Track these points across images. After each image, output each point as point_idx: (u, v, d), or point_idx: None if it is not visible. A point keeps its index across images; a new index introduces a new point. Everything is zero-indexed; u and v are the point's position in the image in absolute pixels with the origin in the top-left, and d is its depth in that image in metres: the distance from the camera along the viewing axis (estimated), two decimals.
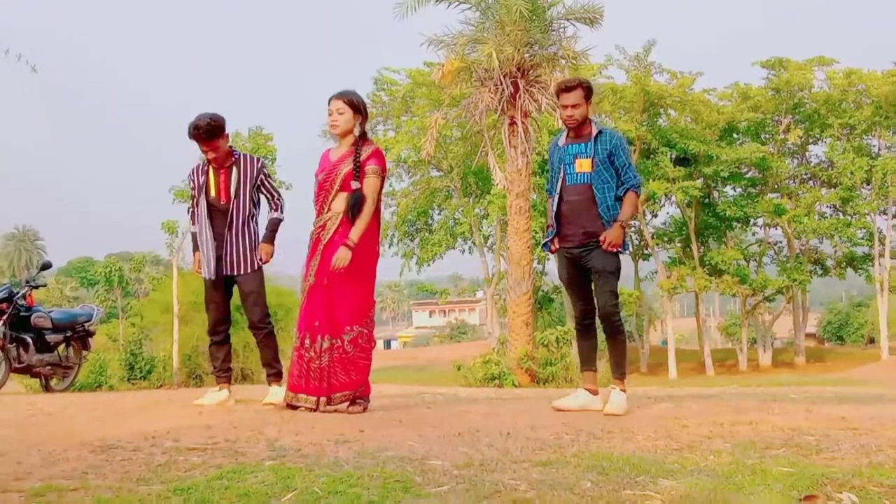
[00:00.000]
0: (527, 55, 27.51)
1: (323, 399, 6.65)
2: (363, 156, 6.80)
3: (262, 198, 7.56)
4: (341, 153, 6.88)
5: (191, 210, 7.63)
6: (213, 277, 7.45)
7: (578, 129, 6.96)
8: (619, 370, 6.92)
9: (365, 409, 6.74)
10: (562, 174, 6.97)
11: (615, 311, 6.82)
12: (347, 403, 6.70)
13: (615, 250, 6.77)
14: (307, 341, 6.71)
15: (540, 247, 7.57)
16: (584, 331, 7.18)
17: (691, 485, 3.74)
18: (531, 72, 27.44)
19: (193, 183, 7.52)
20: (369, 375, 6.90)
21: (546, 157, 7.95)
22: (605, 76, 46.63)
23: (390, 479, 3.89)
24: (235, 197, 7.35)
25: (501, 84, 26.88)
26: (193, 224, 7.59)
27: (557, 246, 7.08)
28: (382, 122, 46.65)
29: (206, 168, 7.48)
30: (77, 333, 12.90)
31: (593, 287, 6.98)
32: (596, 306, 6.97)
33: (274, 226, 7.54)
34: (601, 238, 6.69)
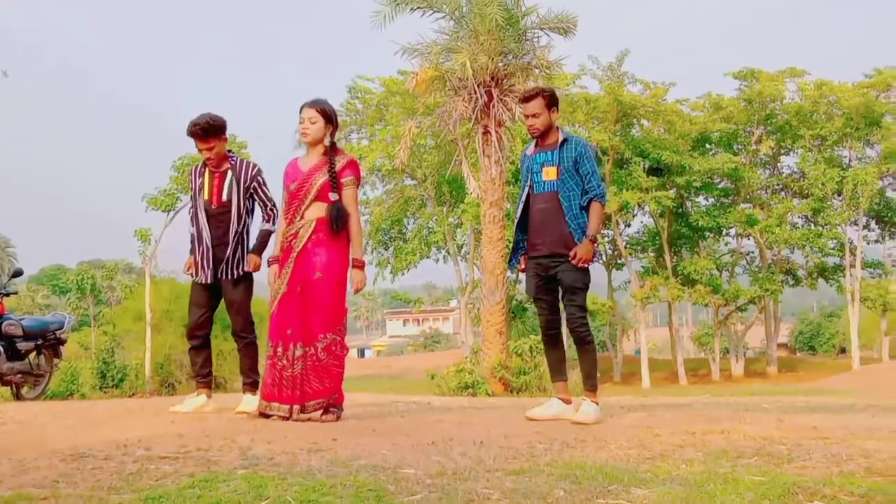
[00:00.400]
0: (501, 64, 27.57)
1: (296, 407, 6.64)
2: (338, 166, 6.82)
3: (257, 206, 7.53)
4: (313, 163, 6.86)
5: (190, 211, 7.60)
6: (201, 281, 7.43)
7: (544, 138, 6.98)
8: (590, 382, 6.90)
9: (338, 418, 6.73)
10: (529, 183, 6.99)
11: (583, 323, 6.81)
12: (321, 412, 6.69)
13: (585, 266, 6.79)
14: (279, 349, 6.69)
15: (507, 263, 7.58)
16: (551, 341, 7.18)
17: (664, 493, 3.75)
18: (505, 81, 27.50)
19: (192, 184, 7.51)
20: (342, 383, 6.89)
21: (519, 166, 8.02)
22: (579, 86, 46.80)
23: (363, 487, 3.89)
24: (227, 201, 7.32)
25: (475, 93, 26.92)
26: (192, 225, 7.54)
27: (523, 266, 7.10)
28: (356, 131, 46.60)
29: (202, 170, 7.46)
30: (48, 341, 12.82)
31: (561, 300, 6.99)
32: (563, 318, 7.00)
33: (264, 237, 7.45)
34: (571, 254, 6.70)
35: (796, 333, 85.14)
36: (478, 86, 26.94)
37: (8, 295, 12.66)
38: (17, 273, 13.59)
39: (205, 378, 7.67)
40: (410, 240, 48.02)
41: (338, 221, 6.72)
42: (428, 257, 48.65)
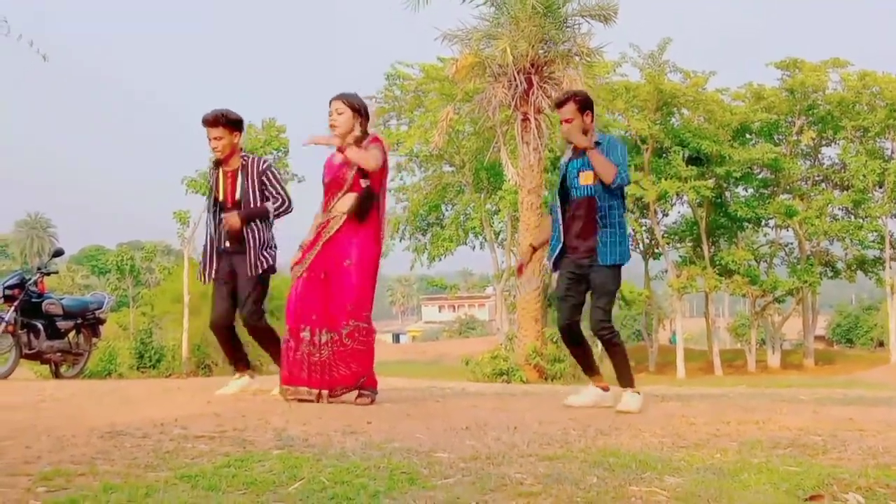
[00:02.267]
0: (541, 51, 27.50)
1: (325, 392, 6.68)
2: (364, 143, 6.86)
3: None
4: (344, 158, 6.89)
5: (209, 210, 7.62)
6: (204, 282, 7.49)
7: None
8: (625, 380, 6.89)
9: (373, 401, 6.76)
10: (565, 188, 6.98)
11: (606, 327, 6.77)
12: (356, 394, 6.73)
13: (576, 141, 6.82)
14: (305, 334, 6.71)
15: (548, 263, 7.57)
16: (571, 342, 7.15)
17: (697, 482, 3.74)
18: (545, 68, 27.42)
19: (209, 184, 7.57)
20: (373, 365, 6.91)
21: (558, 153, 8.01)
22: (619, 74, 46.55)
23: (396, 470, 3.90)
24: (242, 200, 7.33)
25: (515, 80, 26.87)
26: (207, 224, 7.57)
27: (522, 271, 7.16)
28: (395, 117, 46.57)
29: (215, 169, 7.48)
30: (87, 321, 12.95)
31: (590, 300, 6.98)
32: (587, 322, 6.99)
33: (261, 209, 7.40)
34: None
35: (834, 326, 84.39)
36: (517, 72, 26.88)
37: (49, 274, 12.80)
38: (58, 253, 13.72)
39: (241, 361, 7.70)
40: (447, 226, 47.98)
41: (365, 201, 6.79)
42: (465, 244, 48.63)
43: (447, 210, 49.34)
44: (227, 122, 7.32)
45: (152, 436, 4.75)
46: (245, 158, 7.44)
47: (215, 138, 7.31)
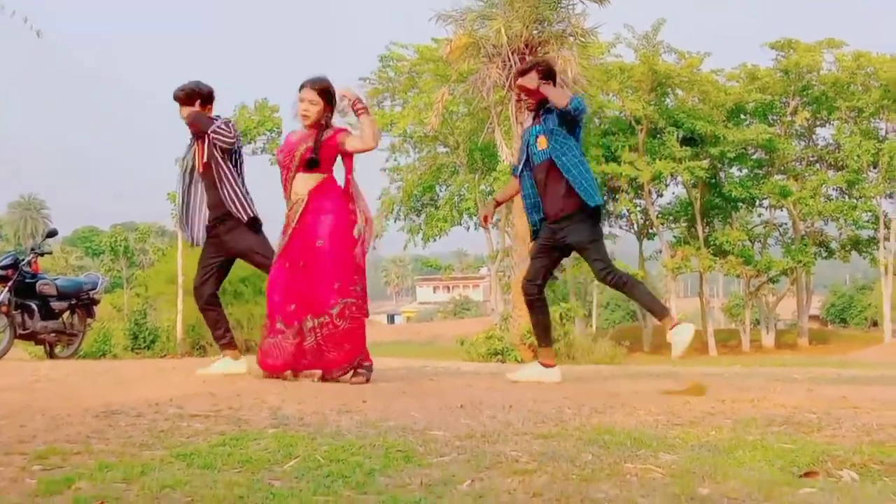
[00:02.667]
0: (535, 32, 27.49)
1: (318, 372, 6.71)
2: (324, 136, 6.78)
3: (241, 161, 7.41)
4: (302, 134, 6.85)
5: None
6: (188, 240, 7.47)
7: (538, 112, 6.97)
8: (659, 311, 6.96)
9: (368, 380, 6.75)
10: (528, 153, 7.00)
11: (610, 272, 6.81)
12: (351, 374, 6.73)
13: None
14: (293, 324, 6.70)
15: (531, 235, 7.56)
16: (531, 305, 7.17)
17: (692, 459, 3.75)
18: (539, 48, 27.41)
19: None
20: (365, 343, 6.90)
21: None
22: (614, 54, 46.50)
23: (392, 448, 3.90)
24: (207, 163, 7.26)
25: (509, 60, 26.85)
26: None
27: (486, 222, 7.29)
28: (389, 98, 46.53)
29: (192, 140, 7.42)
30: (82, 301, 12.93)
31: (586, 260, 7.00)
32: (595, 275, 7.03)
33: (201, 115, 7.28)
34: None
35: (828, 306, 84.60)
36: (512, 53, 26.87)
37: (42, 255, 12.77)
38: (52, 233, 13.71)
39: (224, 336, 7.53)
40: (442, 207, 47.95)
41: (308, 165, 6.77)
42: (459, 224, 48.64)
43: (441, 191, 49.31)
44: (191, 96, 7.27)
45: (147, 415, 4.75)
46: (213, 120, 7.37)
47: (182, 114, 7.28)
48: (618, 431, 4.44)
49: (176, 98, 7.31)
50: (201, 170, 7.27)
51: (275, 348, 6.74)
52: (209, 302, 7.48)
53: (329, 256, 6.68)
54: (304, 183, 6.78)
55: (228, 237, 7.28)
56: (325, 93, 6.78)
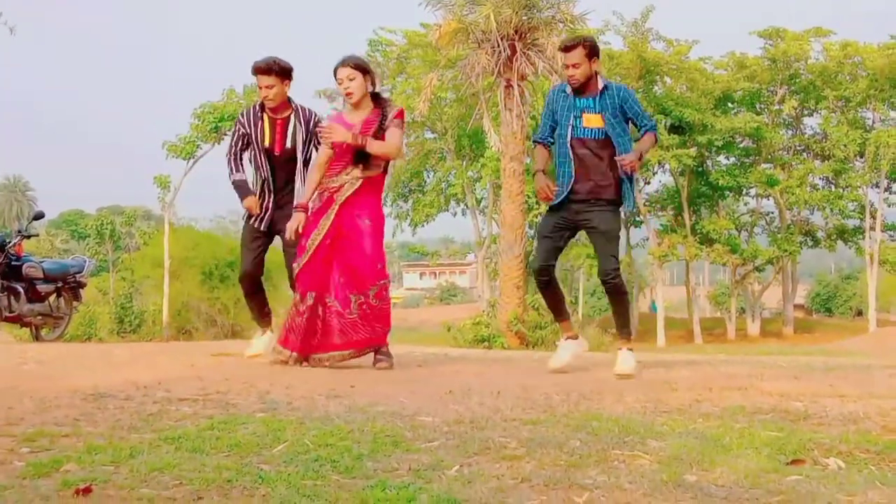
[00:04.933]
0: (525, 18, 27.39)
1: (348, 352, 6.77)
2: (390, 115, 6.86)
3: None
4: (363, 117, 6.85)
5: (232, 157, 7.47)
6: (258, 226, 7.41)
7: (583, 87, 6.87)
8: (626, 330, 7.00)
9: (392, 366, 6.84)
10: (570, 125, 6.85)
11: (619, 273, 6.83)
12: (380, 361, 6.79)
13: (630, 172, 6.72)
14: (330, 301, 6.74)
15: (548, 205, 7.46)
16: (545, 286, 7.11)
17: (680, 446, 3.76)
18: (529, 34, 27.33)
19: (244, 129, 7.39)
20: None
21: (550, 103, 7.78)
22: (603, 42, 46.44)
23: (381, 433, 3.91)
24: (291, 148, 7.28)
25: (499, 46, 26.77)
26: (236, 171, 7.46)
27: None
28: (378, 83, 46.42)
29: (260, 115, 7.37)
30: (68, 284, 12.91)
31: (595, 248, 6.97)
32: (598, 272, 6.97)
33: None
34: (619, 158, 6.63)
35: (813, 295, 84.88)
36: (501, 39, 26.78)
37: (29, 237, 12.73)
38: (39, 216, 13.68)
39: (266, 317, 7.68)
40: (429, 193, 47.99)
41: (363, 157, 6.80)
42: (446, 210, 48.68)
43: (429, 176, 49.32)
44: (281, 71, 7.24)
45: (135, 398, 4.75)
46: (295, 106, 7.37)
47: (267, 86, 7.21)
48: (605, 418, 4.45)
49: (269, 70, 7.26)
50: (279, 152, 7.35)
51: (298, 324, 6.79)
52: (259, 284, 7.66)
53: (372, 239, 6.81)
54: (363, 169, 6.83)
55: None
56: (359, 66, 6.84)
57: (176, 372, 6.02)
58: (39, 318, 12.46)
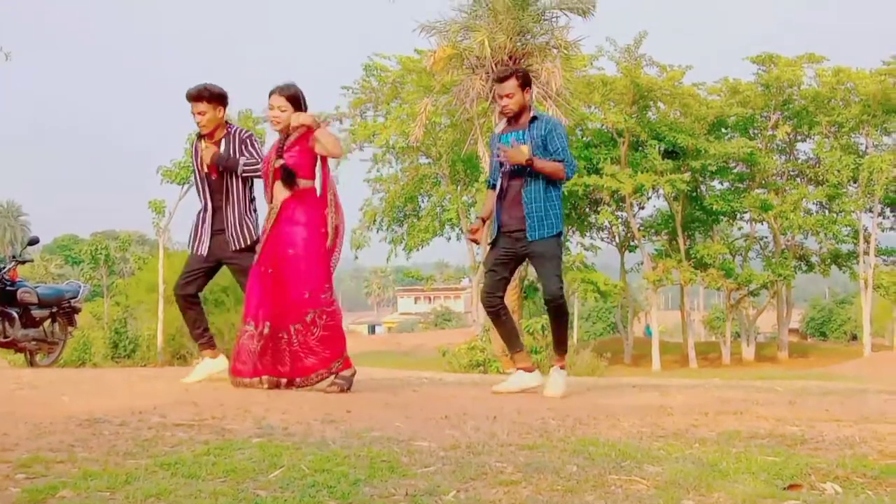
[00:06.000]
0: (519, 44, 27.58)
1: (298, 380, 6.70)
2: (290, 140, 6.85)
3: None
4: (276, 142, 6.93)
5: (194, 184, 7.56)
6: (197, 252, 7.39)
7: (517, 118, 6.95)
8: (562, 347, 7.13)
9: (345, 389, 6.72)
10: (500, 163, 6.95)
11: (562, 294, 6.88)
12: (329, 382, 6.73)
13: (503, 158, 6.83)
14: (264, 330, 6.71)
15: (467, 236, 7.68)
16: (496, 316, 7.23)
17: (676, 471, 3.76)
18: (523, 60, 27.48)
19: (193, 157, 7.45)
20: (345, 348, 6.91)
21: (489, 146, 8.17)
22: (596, 67, 46.70)
23: (377, 458, 3.91)
24: (224, 171, 7.28)
25: (493, 72, 26.86)
26: (198, 197, 7.51)
27: (475, 236, 7.25)
28: (372, 108, 46.57)
29: (199, 143, 7.41)
30: (63, 309, 12.87)
31: (538, 272, 7.04)
32: (543, 293, 6.99)
33: (230, 161, 7.22)
34: (502, 150, 6.81)
35: (808, 319, 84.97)
36: (495, 65, 26.94)
37: (23, 262, 12.71)
38: (33, 241, 13.64)
39: (202, 337, 7.53)
40: (423, 217, 47.99)
41: (287, 174, 6.83)
42: (441, 235, 48.68)
43: (423, 201, 49.35)
44: (211, 97, 7.26)
45: (131, 424, 4.74)
46: (229, 128, 7.37)
47: (199, 113, 7.24)
48: (602, 443, 4.45)
49: (199, 97, 7.27)
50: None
51: (244, 352, 6.76)
52: (192, 301, 7.53)
53: (300, 265, 6.74)
54: (279, 191, 6.85)
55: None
56: (294, 98, 6.86)
57: (171, 397, 6.00)
58: (34, 343, 12.41)
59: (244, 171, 7.22)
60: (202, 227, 7.36)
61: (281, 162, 6.80)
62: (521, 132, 6.87)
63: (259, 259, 6.84)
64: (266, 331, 6.70)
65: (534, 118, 6.89)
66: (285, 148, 6.81)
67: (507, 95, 6.86)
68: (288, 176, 6.78)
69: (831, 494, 3.49)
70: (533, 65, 27.15)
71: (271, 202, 6.90)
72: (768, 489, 3.50)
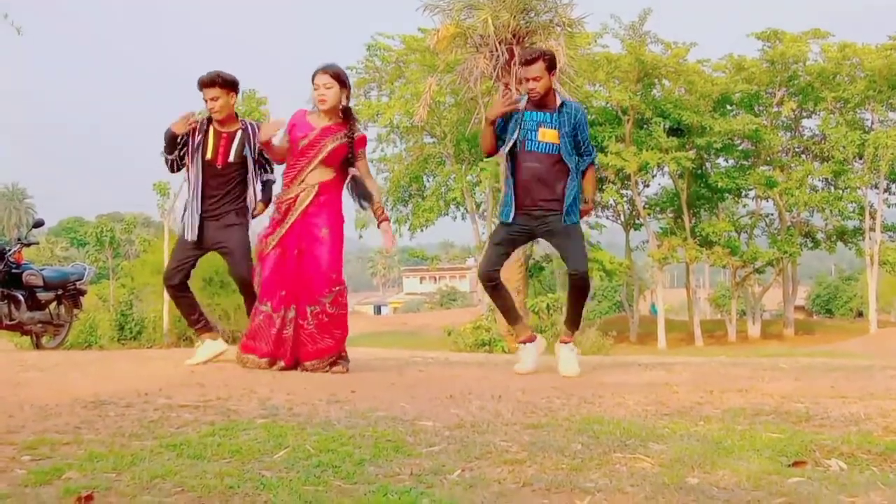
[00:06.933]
0: (522, 22, 27.46)
1: (311, 363, 6.71)
2: (356, 135, 6.92)
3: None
4: (326, 124, 6.85)
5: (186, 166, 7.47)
6: (188, 238, 7.37)
7: (542, 101, 6.90)
8: (576, 324, 7.15)
9: (347, 370, 6.78)
10: (524, 138, 6.87)
11: (586, 274, 6.88)
12: (336, 364, 6.75)
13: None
14: (281, 311, 6.72)
15: (499, 220, 7.51)
16: (493, 290, 7.20)
17: (681, 449, 3.76)
18: (527, 38, 27.40)
19: (189, 140, 7.30)
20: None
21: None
22: (600, 45, 46.49)
23: (382, 438, 3.91)
24: (233, 163, 7.27)
25: (497, 50, 26.86)
26: (186, 181, 7.46)
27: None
28: (376, 88, 46.50)
29: (205, 127, 7.37)
30: (68, 292, 12.88)
31: (562, 251, 6.99)
32: (569, 268, 6.96)
33: (271, 185, 7.41)
34: (584, 209, 6.95)
35: (813, 296, 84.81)
36: (499, 43, 26.86)
37: (29, 245, 12.71)
38: (39, 224, 13.67)
39: (198, 322, 7.55)
40: (428, 197, 47.93)
41: (362, 198, 7.00)
42: (446, 215, 48.64)
43: (428, 181, 49.31)
44: (224, 83, 7.24)
45: (136, 405, 4.75)
46: (244, 123, 7.37)
47: (212, 98, 7.21)
48: (607, 421, 4.45)
49: (212, 83, 7.26)
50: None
51: (261, 331, 6.77)
52: (181, 289, 7.53)
53: (327, 246, 6.78)
54: (320, 174, 6.85)
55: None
56: (338, 77, 6.85)
57: (177, 378, 6.01)
58: (40, 325, 12.43)
59: (265, 186, 7.37)
60: (193, 213, 7.33)
61: (356, 172, 6.95)
62: (550, 115, 6.81)
63: (282, 241, 6.81)
64: (287, 314, 6.73)
65: (562, 104, 6.83)
66: (356, 140, 6.96)
67: (535, 78, 6.76)
68: (363, 194, 7.01)
69: (836, 471, 3.49)
70: (536, 42, 27.03)
71: (297, 182, 6.86)
72: (773, 466, 3.51)
